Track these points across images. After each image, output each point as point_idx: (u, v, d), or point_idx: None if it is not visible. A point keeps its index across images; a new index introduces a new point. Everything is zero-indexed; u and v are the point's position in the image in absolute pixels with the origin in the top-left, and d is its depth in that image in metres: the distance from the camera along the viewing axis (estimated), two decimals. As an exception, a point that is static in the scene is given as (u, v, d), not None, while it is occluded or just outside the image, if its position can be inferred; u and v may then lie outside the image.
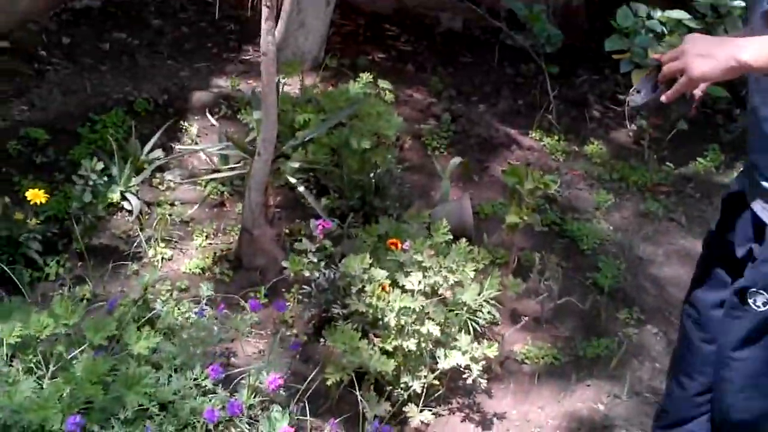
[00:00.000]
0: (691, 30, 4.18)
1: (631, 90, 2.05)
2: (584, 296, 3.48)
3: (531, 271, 3.60)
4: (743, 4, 4.10)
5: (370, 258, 2.81)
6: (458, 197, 3.93)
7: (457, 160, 3.99)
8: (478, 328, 3.10)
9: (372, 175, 3.75)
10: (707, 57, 1.81)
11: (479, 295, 3.02)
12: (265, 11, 3.03)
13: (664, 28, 4.16)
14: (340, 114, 3.64)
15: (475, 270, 3.06)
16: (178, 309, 3.01)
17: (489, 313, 3.13)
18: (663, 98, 1.93)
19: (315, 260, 3.02)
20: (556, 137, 4.61)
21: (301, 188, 3.33)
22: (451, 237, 3.28)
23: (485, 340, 2.94)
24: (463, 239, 3.23)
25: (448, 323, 2.84)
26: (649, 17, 4.17)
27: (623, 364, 3.17)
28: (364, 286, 2.72)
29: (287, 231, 3.59)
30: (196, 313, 2.79)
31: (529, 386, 3.05)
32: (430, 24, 6.11)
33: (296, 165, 3.47)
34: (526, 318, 3.36)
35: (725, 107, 4.95)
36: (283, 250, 3.44)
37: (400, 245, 2.94)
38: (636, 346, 3.26)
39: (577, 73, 5.38)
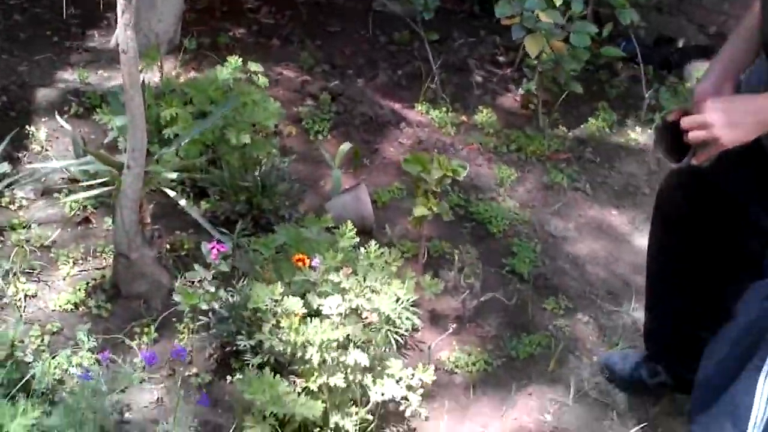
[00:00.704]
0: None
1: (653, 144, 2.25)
2: (504, 286, 3.22)
3: (442, 262, 3.32)
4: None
5: (280, 285, 2.43)
6: (352, 187, 3.59)
7: (346, 146, 3.63)
8: (399, 339, 2.79)
9: (256, 172, 3.36)
10: (736, 127, 1.86)
11: (397, 302, 2.71)
12: (120, 3, 2.58)
13: (550, -14, 3.91)
14: (218, 111, 3.22)
15: (388, 276, 2.75)
16: (54, 363, 2.56)
17: (408, 319, 2.83)
18: (694, 161, 1.98)
19: (212, 289, 2.61)
20: (444, 109, 4.31)
21: (181, 202, 2.90)
22: (357, 239, 2.95)
23: (419, 364, 2.61)
24: (372, 243, 2.90)
25: (372, 345, 2.50)
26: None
27: (561, 363, 2.92)
28: (278, 321, 2.34)
29: (168, 246, 3.15)
30: (79, 377, 2.35)
31: (465, 401, 2.76)
32: (290, -8, 5.68)
33: (173, 175, 3.03)
34: (448, 319, 3.06)
35: (606, 61, 4.77)
36: (166, 271, 3.02)
37: (308, 261, 2.58)
38: (570, 340, 3.02)
39: (453, 37, 5.09)
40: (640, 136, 4.27)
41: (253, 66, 3.88)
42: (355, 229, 2.98)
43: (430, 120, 4.24)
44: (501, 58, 5.00)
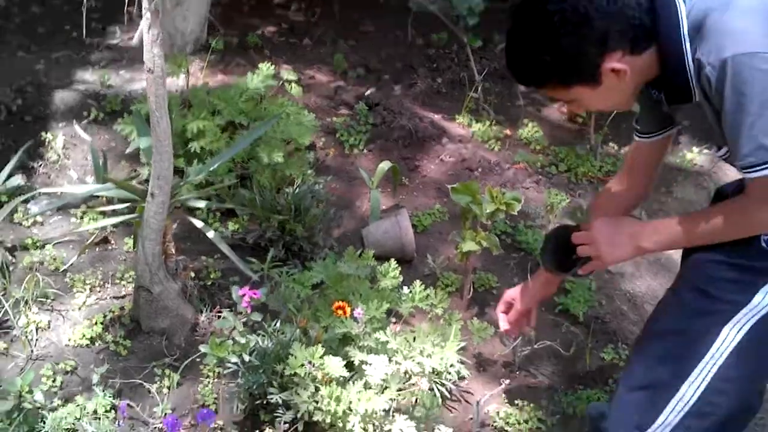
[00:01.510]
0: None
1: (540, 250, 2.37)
2: (556, 329, 2.95)
3: (488, 297, 3.05)
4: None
5: (322, 347, 2.16)
6: (392, 211, 3.32)
7: (385, 165, 3.36)
8: (446, 392, 2.54)
9: (288, 192, 3.09)
10: (615, 247, 2.00)
11: (443, 357, 2.45)
12: (147, 15, 2.31)
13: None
14: (254, 133, 2.95)
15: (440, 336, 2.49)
16: (67, 412, 2.32)
17: (455, 369, 2.57)
18: (580, 272, 2.12)
19: (242, 340, 2.35)
20: (487, 121, 4.03)
21: (209, 234, 2.63)
22: (400, 279, 2.70)
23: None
24: (417, 285, 2.64)
25: (418, 406, 2.24)
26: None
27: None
28: (317, 387, 2.08)
29: (193, 274, 2.89)
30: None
31: (518, 466, 2.50)
32: (322, -14, 5.39)
33: (200, 204, 2.77)
34: (496, 365, 2.80)
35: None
36: (190, 305, 2.76)
37: (348, 310, 2.32)
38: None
39: (495, 40, 4.79)
40: (697, 156, 3.96)
41: (287, 74, 3.60)
42: (396, 259, 2.74)
43: (472, 133, 3.96)
44: (546, 64, 4.70)
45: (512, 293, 2.45)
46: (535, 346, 2.79)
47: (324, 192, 3.19)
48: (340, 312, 2.32)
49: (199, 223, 2.65)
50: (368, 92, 4.10)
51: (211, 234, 2.63)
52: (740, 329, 1.88)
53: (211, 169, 2.81)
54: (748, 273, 1.88)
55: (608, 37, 1.79)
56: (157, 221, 2.55)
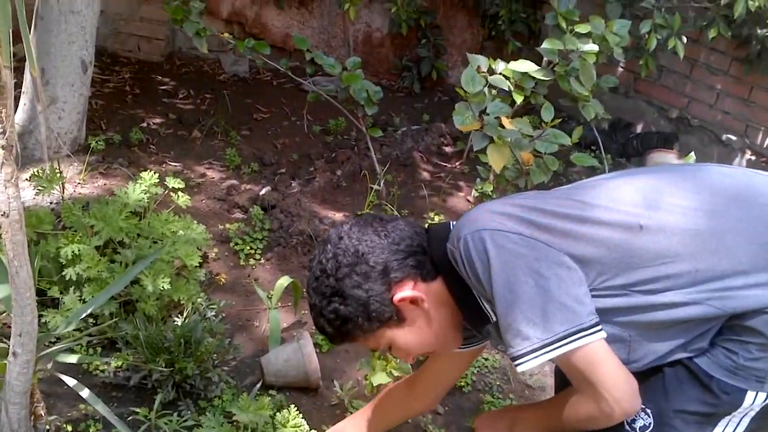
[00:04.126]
0: (537, 83, 3.49)
1: None
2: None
3: (403, 428, 2.79)
4: (597, 48, 3.46)
5: None
6: (294, 331, 3.05)
7: (284, 281, 3.09)
8: None
9: (176, 327, 2.78)
10: None
11: None
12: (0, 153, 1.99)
13: (510, 84, 3.45)
14: (136, 269, 2.63)
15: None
16: None
17: None
18: None
19: None
20: (391, 218, 3.80)
21: (83, 393, 2.29)
22: (303, 424, 2.42)
23: None
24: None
25: None
26: (491, 72, 3.44)
27: None
28: None
29: (69, 429, 2.54)
30: None
31: None
32: (211, 70, 5.14)
33: (73, 359, 2.43)
34: None
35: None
36: (68, 470, 2.42)
37: (247, 484, 2.02)
38: None
39: (393, 122, 4.60)
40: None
41: (172, 181, 3.28)
42: (297, 386, 2.47)
43: (376, 232, 3.72)
44: (447, 149, 4.53)
45: None
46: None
47: (217, 323, 2.88)
48: (236, 487, 2.02)
49: (71, 381, 2.32)
50: (263, 192, 3.83)
51: (85, 393, 2.30)
52: None
53: (89, 310, 2.47)
54: None
55: (389, 269, 1.74)
56: (21, 383, 2.20)
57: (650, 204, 1.64)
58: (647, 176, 1.81)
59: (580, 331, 1.55)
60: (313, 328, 3.06)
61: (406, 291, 1.74)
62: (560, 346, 1.55)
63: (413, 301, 1.75)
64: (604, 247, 1.60)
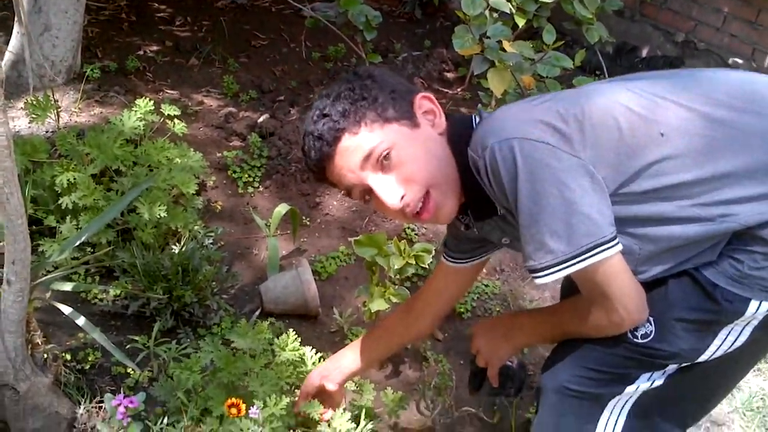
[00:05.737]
0: (540, 5, 3.40)
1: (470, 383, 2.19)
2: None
3: (403, 354, 2.79)
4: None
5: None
6: (291, 262, 3.03)
7: (282, 209, 3.06)
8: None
9: (173, 253, 2.76)
10: (496, 350, 1.99)
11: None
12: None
13: (511, 7, 3.36)
14: (131, 195, 2.60)
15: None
16: None
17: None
18: (495, 384, 2.08)
19: (120, 455, 2.03)
20: (391, 144, 3.75)
21: (79, 321, 2.28)
22: (302, 349, 2.41)
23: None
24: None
25: None
26: (492, -7, 3.34)
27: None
28: None
29: (68, 357, 2.54)
30: None
31: None
32: (209, -3, 5.03)
33: (68, 287, 2.41)
34: (414, 437, 2.54)
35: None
36: (66, 398, 2.42)
37: (243, 408, 2.02)
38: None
39: (394, 49, 4.52)
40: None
41: (168, 108, 3.23)
42: (299, 315, 2.46)
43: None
44: (449, 75, 4.46)
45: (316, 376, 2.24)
46: (456, 414, 2.54)
47: (214, 250, 2.87)
48: (233, 411, 2.02)
49: (67, 309, 2.31)
50: (261, 119, 3.77)
51: (81, 321, 2.29)
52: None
53: (85, 237, 2.45)
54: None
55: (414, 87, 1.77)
56: (16, 311, 2.20)
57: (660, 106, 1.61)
58: (659, 80, 1.75)
59: (602, 245, 1.53)
60: (313, 255, 3.06)
61: (425, 101, 1.73)
62: (582, 260, 1.54)
63: (429, 112, 1.73)
64: (624, 155, 1.57)
